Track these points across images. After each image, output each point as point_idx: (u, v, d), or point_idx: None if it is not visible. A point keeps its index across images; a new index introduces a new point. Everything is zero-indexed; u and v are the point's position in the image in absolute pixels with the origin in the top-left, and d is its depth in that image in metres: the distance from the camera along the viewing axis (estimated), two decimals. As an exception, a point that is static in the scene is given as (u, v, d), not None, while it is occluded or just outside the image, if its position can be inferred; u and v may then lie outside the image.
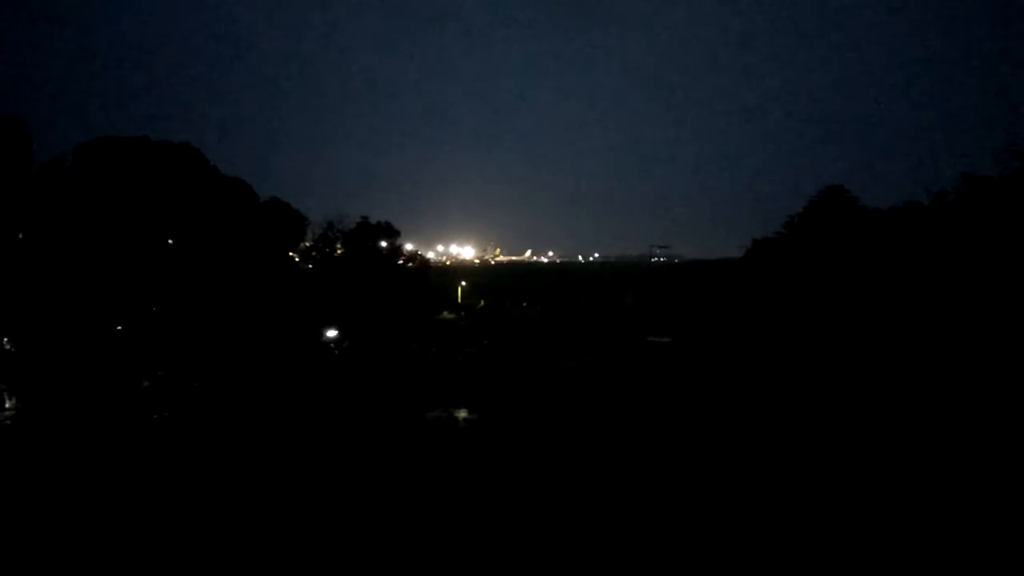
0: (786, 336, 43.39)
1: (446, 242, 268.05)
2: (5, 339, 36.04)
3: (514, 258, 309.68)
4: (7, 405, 29.45)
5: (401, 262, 64.13)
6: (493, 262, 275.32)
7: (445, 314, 67.62)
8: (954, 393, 28.19)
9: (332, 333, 48.21)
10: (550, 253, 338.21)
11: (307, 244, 61.87)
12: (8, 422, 26.73)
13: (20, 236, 38.33)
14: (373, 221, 62.42)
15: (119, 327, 39.91)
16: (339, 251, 62.21)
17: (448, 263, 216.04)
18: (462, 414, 30.76)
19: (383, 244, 62.17)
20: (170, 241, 45.39)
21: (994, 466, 19.74)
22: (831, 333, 40.42)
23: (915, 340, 35.41)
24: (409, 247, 74.28)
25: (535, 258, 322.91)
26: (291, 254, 60.35)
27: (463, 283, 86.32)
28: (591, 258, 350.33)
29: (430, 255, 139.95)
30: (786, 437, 25.17)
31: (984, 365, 29.65)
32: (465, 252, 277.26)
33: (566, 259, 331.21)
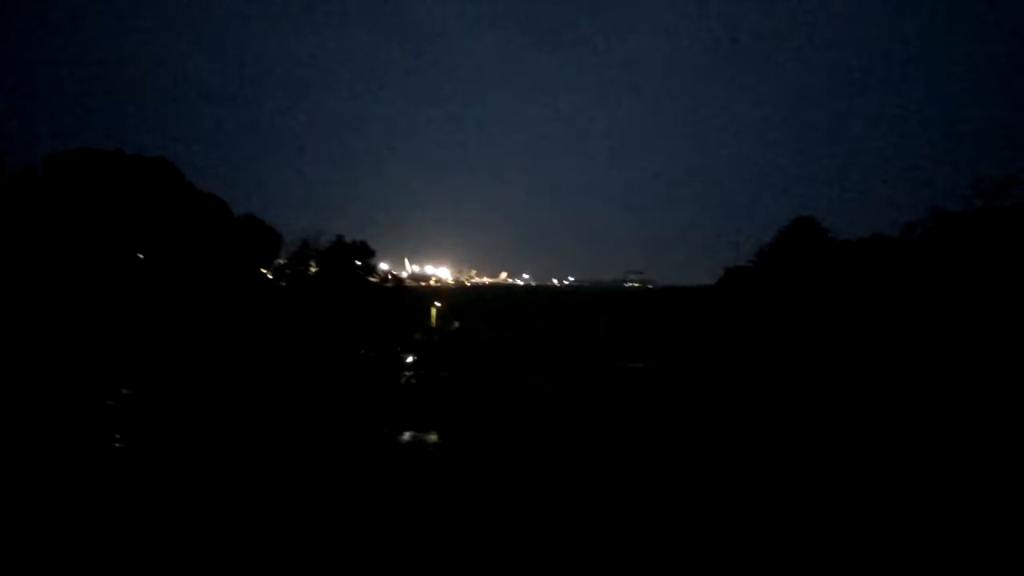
0: (757, 362, 43.79)
1: (422, 263, 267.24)
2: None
3: (489, 280, 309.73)
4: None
5: (376, 282, 63.68)
6: (468, 283, 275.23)
7: (419, 336, 67.06)
8: (921, 416, 28.54)
9: (304, 352, 47.58)
10: (525, 276, 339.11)
11: (281, 261, 61.33)
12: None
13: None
14: (349, 240, 62.08)
15: (85, 342, 38.95)
16: (313, 269, 61.72)
17: (423, 284, 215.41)
18: (432, 437, 30.42)
19: (358, 263, 61.74)
20: (140, 256, 44.68)
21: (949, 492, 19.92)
22: (800, 359, 40.89)
23: (881, 366, 35.98)
24: (384, 267, 73.87)
25: (510, 280, 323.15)
26: (264, 271, 59.77)
27: (438, 304, 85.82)
28: (566, 281, 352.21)
29: (405, 275, 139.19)
30: (761, 459, 25.24)
31: (948, 392, 30.15)
32: (441, 273, 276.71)
33: (541, 282, 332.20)
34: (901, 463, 24.21)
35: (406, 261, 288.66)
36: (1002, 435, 25.86)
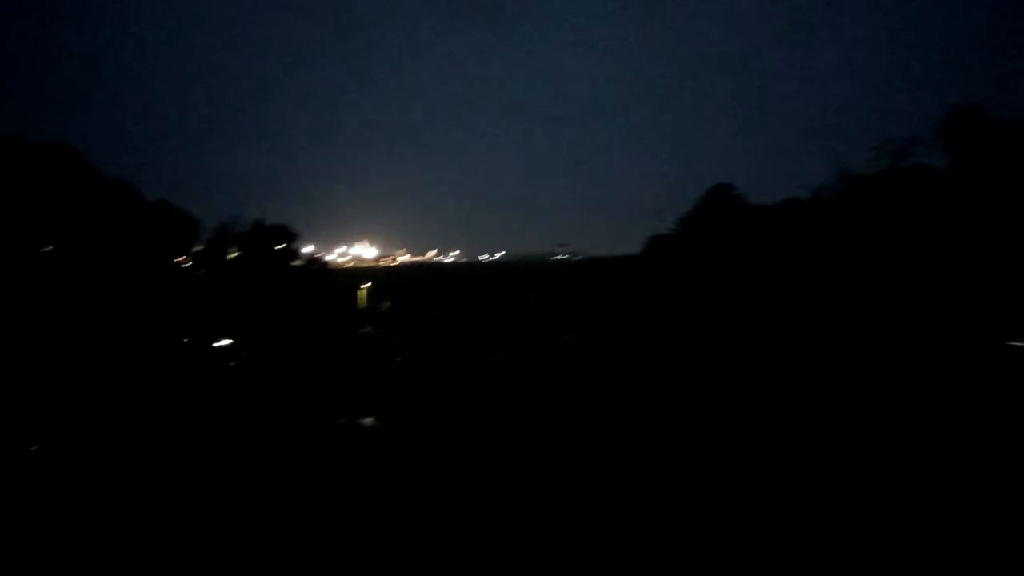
0: (683, 326, 45.24)
1: (349, 244, 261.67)
2: None
3: (417, 258, 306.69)
4: None
5: (300, 265, 62.30)
6: (395, 262, 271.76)
7: (348, 317, 66.16)
8: (823, 381, 30.02)
9: (225, 342, 46.33)
10: (455, 253, 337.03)
11: (199, 248, 59.20)
12: None
13: None
14: (268, 224, 60.38)
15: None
16: (233, 255, 59.84)
17: (350, 266, 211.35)
18: (368, 420, 30.11)
19: (279, 247, 60.21)
20: (46, 248, 42.22)
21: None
22: (720, 321, 42.49)
23: (793, 325, 37.79)
24: (308, 250, 72.13)
25: (440, 258, 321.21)
26: (181, 259, 57.54)
27: (365, 285, 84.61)
28: (495, 256, 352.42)
29: (332, 257, 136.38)
30: (693, 423, 26.11)
31: (850, 349, 31.94)
32: (368, 254, 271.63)
33: (470, 259, 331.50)
34: (816, 419, 25.52)
35: (374, 244, 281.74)
36: (901, 383, 27.60)
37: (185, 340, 44.57)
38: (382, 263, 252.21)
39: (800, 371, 32.40)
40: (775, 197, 50.85)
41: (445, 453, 23.67)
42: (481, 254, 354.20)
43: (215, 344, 46.30)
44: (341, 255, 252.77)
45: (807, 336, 36.52)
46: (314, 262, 66.40)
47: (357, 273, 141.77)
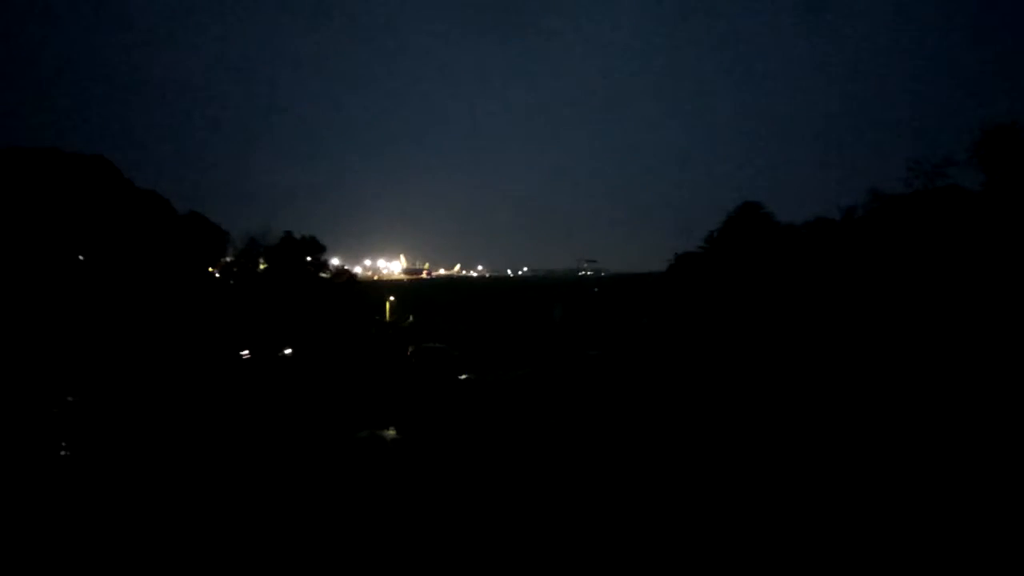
0: (706, 344, 44.77)
1: (374, 257, 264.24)
2: None
3: (444, 272, 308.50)
4: None
5: (327, 277, 63.05)
6: (424, 276, 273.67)
7: (373, 331, 66.57)
8: (863, 394, 29.52)
9: (251, 351, 46.92)
10: (479, 267, 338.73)
11: (228, 260, 60.22)
12: None
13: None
14: (298, 236, 61.30)
15: (25, 348, 37.56)
16: (262, 266, 60.77)
17: (376, 278, 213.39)
18: (390, 433, 30.18)
19: (308, 259, 61.05)
20: (80, 257, 43.26)
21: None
22: (746, 340, 41.95)
23: (822, 347, 37.14)
24: (335, 262, 73.08)
25: (464, 272, 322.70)
26: (211, 269, 58.57)
27: (391, 299, 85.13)
28: (520, 272, 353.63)
29: (357, 270, 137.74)
30: (721, 439, 25.75)
31: (886, 369, 31.29)
32: (393, 267, 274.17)
33: (496, 273, 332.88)
34: (848, 435, 25.02)
35: (402, 257, 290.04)
36: (943, 405, 26.99)
37: (215, 348, 45.12)
38: (409, 277, 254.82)
39: (829, 395, 31.85)
40: (804, 216, 50.44)
41: (464, 466, 23.60)
42: (507, 269, 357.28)
43: (242, 353, 46.86)
44: (369, 268, 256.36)
45: (835, 358, 35.91)
46: (342, 274, 67.17)
47: (384, 286, 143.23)
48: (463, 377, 45.36)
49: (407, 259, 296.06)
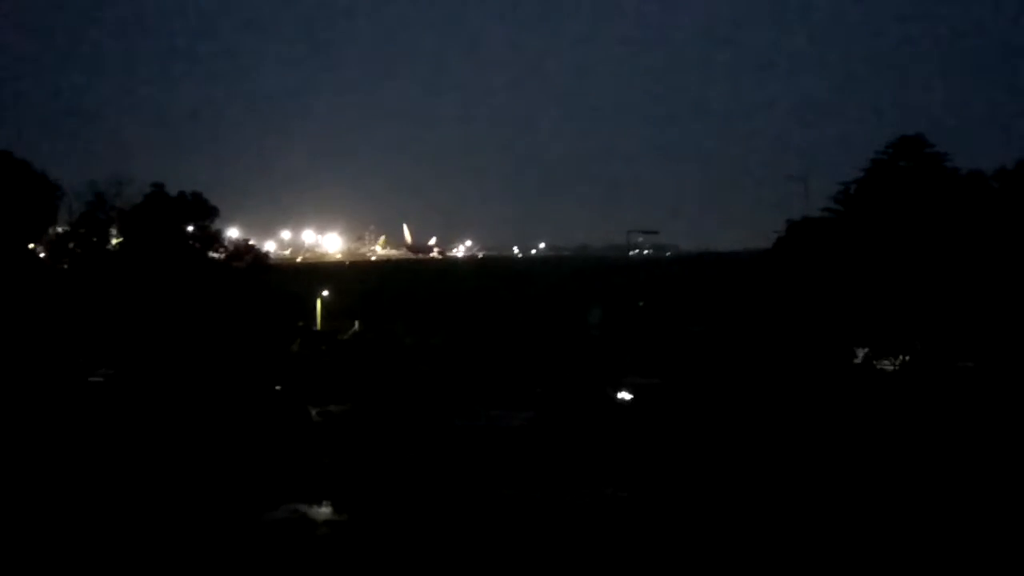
0: (846, 365, 44.10)
1: (297, 228, 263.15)
2: None
3: (409, 251, 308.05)
4: None
5: (220, 258, 61.97)
6: (374, 258, 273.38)
7: (295, 347, 65.79)
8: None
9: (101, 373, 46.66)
10: (467, 243, 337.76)
11: (61, 230, 59.36)
12: None
13: None
14: (173, 193, 60.13)
15: None
16: (115, 241, 59.80)
17: (301, 260, 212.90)
18: (322, 513, 30.04)
19: (190, 229, 59.93)
20: None
21: None
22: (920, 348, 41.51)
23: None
24: (234, 234, 72.08)
25: (441, 252, 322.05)
26: (33, 246, 57.70)
27: (324, 293, 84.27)
28: (533, 251, 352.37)
29: (269, 247, 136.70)
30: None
31: None
32: (329, 243, 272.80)
33: (493, 252, 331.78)
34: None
35: (405, 229, 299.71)
36: None
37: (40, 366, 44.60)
38: (353, 259, 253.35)
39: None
40: (993, 160, 49.36)
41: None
42: (512, 246, 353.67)
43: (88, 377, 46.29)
44: (289, 245, 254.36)
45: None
46: (244, 252, 65.97)
47: (313, 272, 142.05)
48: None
49: (349, 232, 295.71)
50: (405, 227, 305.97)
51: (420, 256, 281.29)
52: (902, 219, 46.63)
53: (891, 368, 46.07)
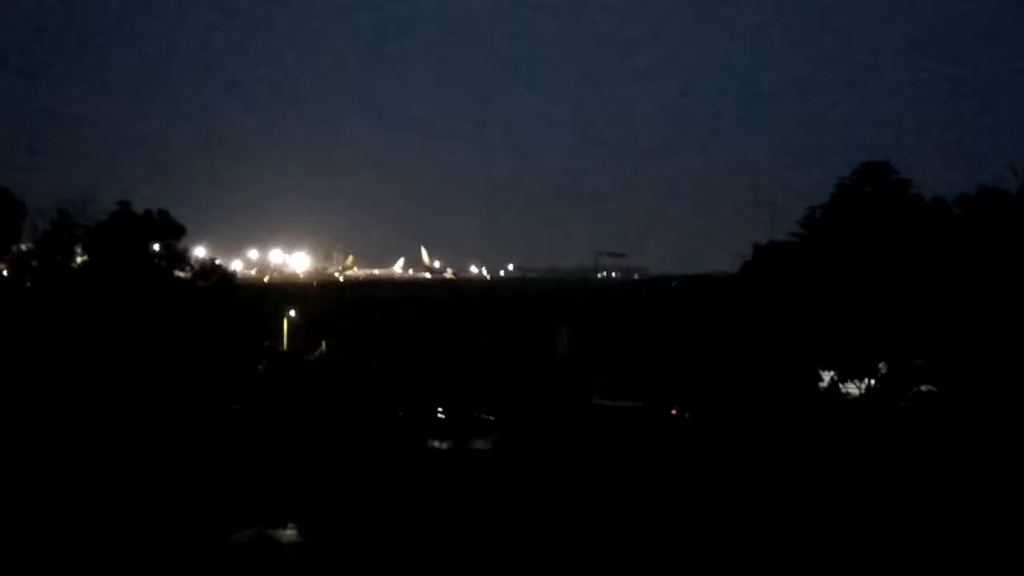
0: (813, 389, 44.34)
1: (264, 247, 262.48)
2: None
3: (377, 272, 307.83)
4: None
5: (186, 277, 61.68)
6: (343, 279, 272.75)
7: (261, 367, 65.37)
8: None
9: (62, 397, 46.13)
10: (435, 264, 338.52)
11: (25, 248, 58.91)
12: None
13: None
14: (139, 211, 59.83)
15: None
16: (80, 259, 59.43)
17: (268, 280, 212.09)
18: (288, 535, 29.94)
19: (156, 247, 59.68)
20: None
21: None
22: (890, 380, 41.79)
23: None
24: (201, 254, 71.59)
25: (410, 272, 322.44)
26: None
27: (292, 313, 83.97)
28: (502, 272, 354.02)
29: (236, 267, 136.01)
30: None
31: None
32: (297, 263, 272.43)
33: (462, 273, 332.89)
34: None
35: (423, 251, 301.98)
36: None
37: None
38: (321, 280, 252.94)
39: None
40: (954, 186, 49.87)
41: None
42: (481, 267, 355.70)
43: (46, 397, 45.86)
44: (254, 264, 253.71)
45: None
46: (210, 272, 65.69)
47: (280, 292, 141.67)
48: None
49: (318, 252, 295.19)
50: (423, 249, 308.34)
51: (435, 276, 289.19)
52: (866, 244, 46.99)
53: (857, 392, 46.35)
